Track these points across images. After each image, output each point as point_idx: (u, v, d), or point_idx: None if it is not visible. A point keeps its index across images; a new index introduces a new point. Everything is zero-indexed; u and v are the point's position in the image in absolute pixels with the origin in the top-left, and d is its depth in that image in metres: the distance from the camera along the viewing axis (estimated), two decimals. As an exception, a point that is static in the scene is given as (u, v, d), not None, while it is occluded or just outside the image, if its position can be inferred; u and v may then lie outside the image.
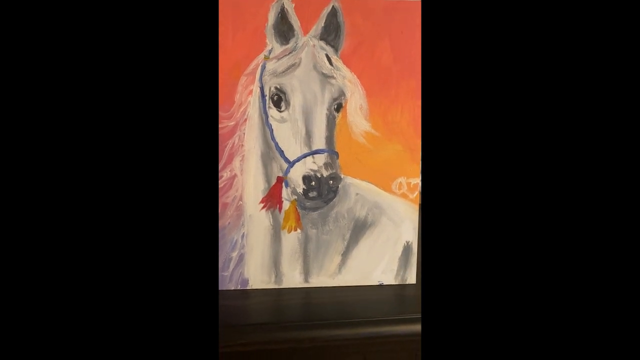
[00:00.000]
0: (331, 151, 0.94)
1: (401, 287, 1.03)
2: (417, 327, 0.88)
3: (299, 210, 0.98)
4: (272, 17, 0.92)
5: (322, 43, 0.94)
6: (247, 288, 0.99)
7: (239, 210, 0.98)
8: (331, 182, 0.94)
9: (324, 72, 0.94)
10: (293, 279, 1.01)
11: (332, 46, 0.95)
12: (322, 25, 0.93)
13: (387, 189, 1.01)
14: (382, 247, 1.03)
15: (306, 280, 1.02)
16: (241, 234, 0.98)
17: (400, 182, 1.05)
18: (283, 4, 0.89)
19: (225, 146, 0.95)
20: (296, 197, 0.96)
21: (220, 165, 0.95)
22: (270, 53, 0.93)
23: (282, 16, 0.91)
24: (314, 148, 0.94)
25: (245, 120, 0.95)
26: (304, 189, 0.94)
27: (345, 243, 1.01)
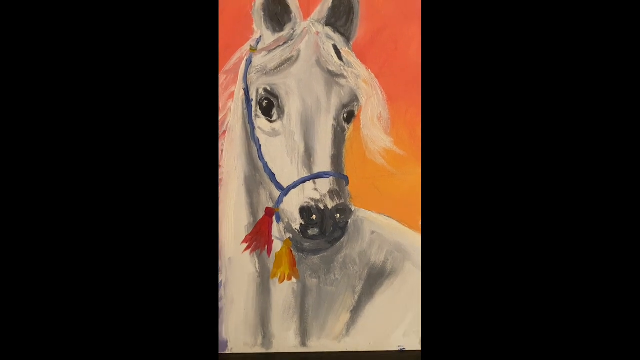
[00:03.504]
0: (339, 175, 0.84)
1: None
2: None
3: (294, 252, 0.88)
4: (261, -6, 0.86)
5: (329, 30, 0.87)
6: (226, 352, 0.90)
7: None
8: (338, 215, 0.83)
9: (330, 68, 0.86)
10: (286, 341, 0.91)
11: (342, 34, 0.88)
12: (329, 5, 0.87)
13: (413, 225, 0.92)
14: (404, 302, 0.93)
15: (303, 344, 0.92)
16: (218, 282, 0.90)
17: (432, 218, 0.94)
18: (276, -24, 0.85)
19: (198, 166, 0.90)
20: (291, 235, 0.86)
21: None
22: (258, 43, 0.87)
23: (275, -7, 0.85)
24: (316, 170, 0.84)
25: (225, 132, 0.89)
26: (301, 224, 0.83)
27: (356, 296, 0.92)
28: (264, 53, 0.86)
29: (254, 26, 0.86)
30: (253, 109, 0.86)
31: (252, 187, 0.88)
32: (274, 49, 0.86)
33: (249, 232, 0.89)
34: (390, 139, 0.89)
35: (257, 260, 0.89)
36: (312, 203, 0.82)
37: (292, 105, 0.84)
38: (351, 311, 0.92)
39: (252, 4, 0.86)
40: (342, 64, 0.86)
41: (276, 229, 0.88)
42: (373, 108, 0.87)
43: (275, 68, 0.85)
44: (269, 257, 0.89)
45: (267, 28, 0.86)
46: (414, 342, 0.93)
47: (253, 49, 0.87)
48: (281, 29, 0.86)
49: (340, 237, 0.87)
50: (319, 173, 0.84)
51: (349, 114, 0.86)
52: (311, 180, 0.84)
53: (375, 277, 0.92)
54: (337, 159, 0.85)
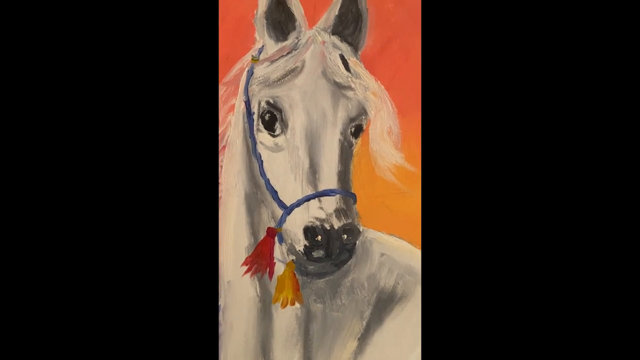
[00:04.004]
0: (346, 192, 0.83)
1: (443, 387, 0.94)
2: None
3: (298, 276, 0.85)
4: (263, 1, 0.84)
5: (336, 39, 0.86)
6: (225, 382, 0.90)
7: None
8: (345, 236, 0.81)
9: (337, 80, 0.85)
10: (289, 370, 0.90)
11: (350, 43, 0.87)
12: (336, 13, 0.85)
13: (426, 247, 0.91)
14: (415, 329, 0.91)
15: (308, 373, 0.91)
16: (218, 306, 0.88)
17: (446, 239, 0.93)
18: (280, -17, 0.84)
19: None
20: (294, 257, 0.84)
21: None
22: (260, 53, 0.87)
23: (279, 1, 0.84)
24: (322, 188, 0.82)
25: (224, 147, 0.87)
26: (305, 245, 0.81)
27: (364, 323, 0.91)
28: (266, 64, 0.85)
29: (256, 35, 0.86)
30: (255, 122, 0.85)
31: (252, 205, 0.87)
32: (277, 60, 0.85)
33: (250, 253, 0.87)
34: (401, 154, 0.87)
35: (258, 284, 0.88)
36: (317, 223, 0.79)
37: (297, 119, 0.83)
38: (359, 339, 0.91)
39: (254, 12, 0.85)
40: (350, 75, 0.85)
41: (278, 251, 0.86)
42: (383, 122, 0.85)
43: (279, 79, 0.84)
44: (271, 280, 0.87)
45: (270, 37, 0.85)
46: (426, 372, 0.91)
47: (255, 60, 0.86)
48: (285, 38, 0.85)
49: (347, 260, 0.84)
50: (324, 190, 0.81)
51: (356, 128, 0.85)
52: (316, 199, 0.81)
53: (385, 303, 0.91)
54: (344, 175, 0.83)
